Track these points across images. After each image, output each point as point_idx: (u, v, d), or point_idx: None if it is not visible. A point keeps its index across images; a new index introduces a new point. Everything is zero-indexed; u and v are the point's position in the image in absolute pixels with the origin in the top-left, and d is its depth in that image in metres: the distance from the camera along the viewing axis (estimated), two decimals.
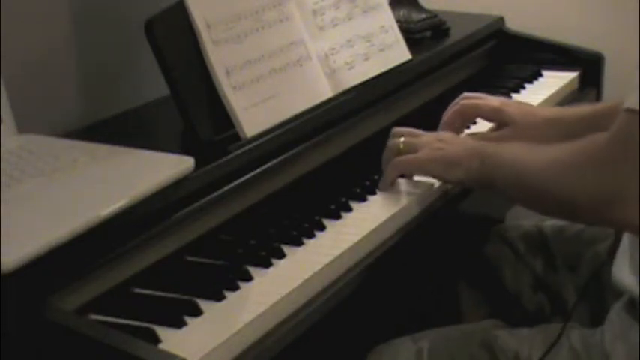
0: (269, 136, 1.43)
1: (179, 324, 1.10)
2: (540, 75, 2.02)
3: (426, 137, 1.43)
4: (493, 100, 1.58)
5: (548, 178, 1.24)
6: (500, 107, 1.55)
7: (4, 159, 1.27)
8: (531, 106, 1.63)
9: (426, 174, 1.44)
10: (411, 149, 1.42)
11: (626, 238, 1.31)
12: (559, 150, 1.26)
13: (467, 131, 1.62)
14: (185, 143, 1.44)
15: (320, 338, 1.23)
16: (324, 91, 1.56)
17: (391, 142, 1.45)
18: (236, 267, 1.22)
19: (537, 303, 1.53)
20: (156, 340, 1.07)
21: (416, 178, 1.48)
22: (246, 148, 1.39)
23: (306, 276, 1.21)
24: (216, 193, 1.32)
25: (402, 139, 1.43)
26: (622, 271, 1.30)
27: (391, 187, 1.44)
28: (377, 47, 1.68)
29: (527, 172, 1.28)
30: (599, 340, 1.27)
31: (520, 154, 1.31)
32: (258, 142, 1.41)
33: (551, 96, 1.92)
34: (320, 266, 1.23)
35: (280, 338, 1.14)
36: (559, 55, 2.07)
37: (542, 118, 1.54)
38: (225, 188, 1.33)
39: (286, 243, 1.28)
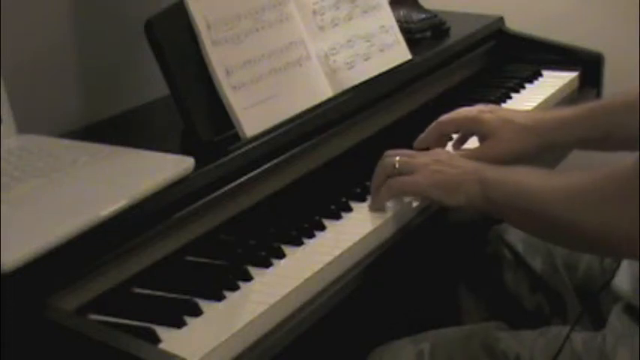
0: (269, 136, 1.43)
1: (179, 324, 1.10)
2: (540, 75, 2.02)
3: (422, 158, 1.38)
4: (470, 111, 1.52)
5: (574, 211, 1.18)
6: (478, 116, 1.50)
7: (4, 159, 1.27)
8: (509, 111, 1.58)
9: (424, 198, 1.40)
10: (406, 169, 1.36)
11: None
12: (581, 180, 1.20)
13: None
14: (185, 143, 1.44)
15: (320, 338, 1.23)
16: (324, 91, 1.56)
17: (386, 161, 1.39)
18: (236, 267, 1.22)
19: (537, 303, 1.53)
20: (156, 340, 1.07)
21: None
22: (246, 148, 1.39)
23: (306, 276, 1.21)
24: (216, 193, 1.32)
25: (398, 158, 1.38)
26: (622, 279, 1.30)
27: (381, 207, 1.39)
28: (377, 47, 1.68)
29: (541, 201, 1.22)
30: (601, 344, 1.26)
31: (527, 180, 1.26)
32: (258, 142, 1.41)
33: (552, 96, 1.92)
34: (320, 266, 1.23)
35: (280, 338, 1.14)
36: (559, 55, 2.07)
37: (520, 125, 1.48)
38: (225, 188, 1.33)
39: (286, 243, 1.28)
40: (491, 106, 1.57)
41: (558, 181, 1.23)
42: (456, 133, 1.56)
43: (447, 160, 1.37)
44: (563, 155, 1.88)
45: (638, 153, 1.13)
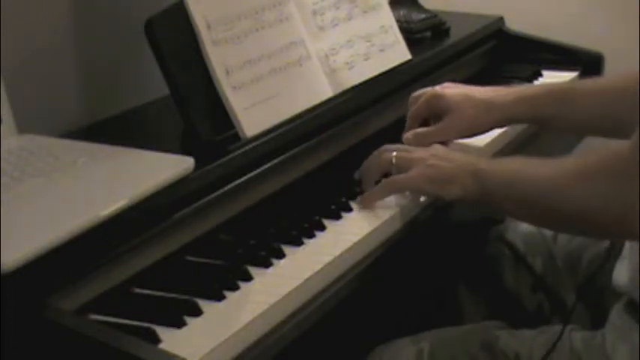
0: (269, 136, 1.43)
1: (179, 324, 1.10)
2: (540, 75, 2.02)
3: (419, 152, 1.39)
4: (434, 87, 1.54)
5: (568, 193, 1.19)
6: (440, 92, 1.52)
7: (4, 159, 1.27)
8: (470, 87, 1.58)
9: (420, 193, 1.41)
10: (403, 165, 1.38)
11: (627, 242, 1.31)
12: (575, 163, 1.22)
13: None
14: (185, 143, 1.44)
15: (320, 338, 1.23)
16: (324, 91, 1.56)
17: (384, 156, 1.40)
18: (236, 267, 1.22)
19: (537, 303, 1.53)
20: (156, 340, 1.07)
21: None
22: (246, 148, 1.39)
23: (306, 276, 1.21)
24: (216, 193, 1.32)
25: (395, 153, 1.39)
26: (620, 273, 1.30)
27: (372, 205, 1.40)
28: (377, 47, 1.68)
29: (534, 189, 1.24)
30: (601, 342, 1.27)
31: (520, 170, 1.28)
32: (258, 142, 1.41)
33: None
34: (320, 266, 1.23)
35: (280, 338, 1.14)
36: (559, 55, 2.07)
37: (480, 100, 1.50)
38: (225, 188, 1.33)
39: (286, 243, 1.28)
40: (453, 83, 1.58)
41: (550, 168, 1.24)
42: (427, 114, 1.55)
43: (444, 154, 1.38)
44: (577, 141, 1.92)
45: (624, 139, 1.15)
